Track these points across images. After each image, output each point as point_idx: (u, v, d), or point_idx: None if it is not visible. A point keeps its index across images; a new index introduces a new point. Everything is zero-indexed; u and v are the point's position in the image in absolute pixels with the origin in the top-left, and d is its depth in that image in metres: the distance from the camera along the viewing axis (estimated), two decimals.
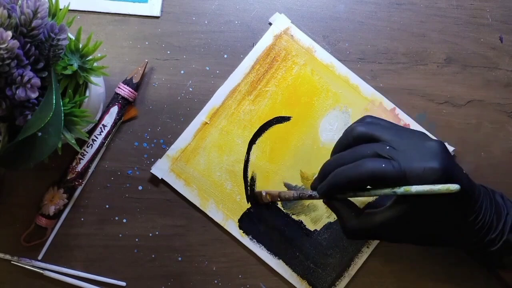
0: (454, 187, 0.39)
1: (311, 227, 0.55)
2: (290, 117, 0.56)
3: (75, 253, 0.53)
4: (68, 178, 0.52)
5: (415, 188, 0.40)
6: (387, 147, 0.42)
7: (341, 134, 0.47)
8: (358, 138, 0.45)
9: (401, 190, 0.41)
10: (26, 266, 0.52)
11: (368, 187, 0.44)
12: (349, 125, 0.48)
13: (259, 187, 0.55)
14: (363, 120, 0.46)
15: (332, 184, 0.44)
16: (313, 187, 0.47)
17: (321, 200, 0.47)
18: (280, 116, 0.56)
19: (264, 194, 0.53)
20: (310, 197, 0.47)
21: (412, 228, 0.44)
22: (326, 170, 0.45)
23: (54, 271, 0.53)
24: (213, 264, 0.54)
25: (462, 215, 0.43)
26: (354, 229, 0.44)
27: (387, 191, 0.41)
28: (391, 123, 0.46)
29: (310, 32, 0.58)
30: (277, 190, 0.52)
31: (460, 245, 0.47)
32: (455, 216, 0.43)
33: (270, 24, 0.57)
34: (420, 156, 0.41)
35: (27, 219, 0.53)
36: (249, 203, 0.55)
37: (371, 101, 0.57)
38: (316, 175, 0.47)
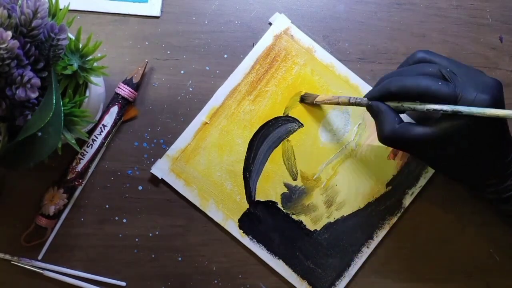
0: (506, 113, 0.41)
1: (311, 227, 0.55)
2: (295, 119, 0.56)
3: (75, 253, 0.53)
4: (68, 178, 0.52)
5: (467, 109, 0.42)
6: (448, 69, 0.45)
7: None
8: (419, 62, 0.47)
9: (451, 108, 0.42)
10: (26, 266, 0.52)
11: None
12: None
13: (259, 187, 0.55)
14: (420, 51, 0.48)
15: (385, 87, 0.46)
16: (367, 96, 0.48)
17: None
18: (281, 117, 0.56)
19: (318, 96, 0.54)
20: (359, 104, 0.48)
21: (448, 150, 0.45)
22: (383, 78, 0.47)
23: (54, 271, 0.53)
24: (213, 264, 0.54)
25: (502, 145, 0.46)
26: (392, 135, 0.46)
27: (436, 106, 0.43)
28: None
29: (310, 32, 0.58)
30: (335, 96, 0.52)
31: (485, 177, 0.48)
32: (494, 145, 0.45)
33: (270, 24, 0.57)
34: (475, 86, 0.43)
35: (27, 219, 0.53)
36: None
37: None
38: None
